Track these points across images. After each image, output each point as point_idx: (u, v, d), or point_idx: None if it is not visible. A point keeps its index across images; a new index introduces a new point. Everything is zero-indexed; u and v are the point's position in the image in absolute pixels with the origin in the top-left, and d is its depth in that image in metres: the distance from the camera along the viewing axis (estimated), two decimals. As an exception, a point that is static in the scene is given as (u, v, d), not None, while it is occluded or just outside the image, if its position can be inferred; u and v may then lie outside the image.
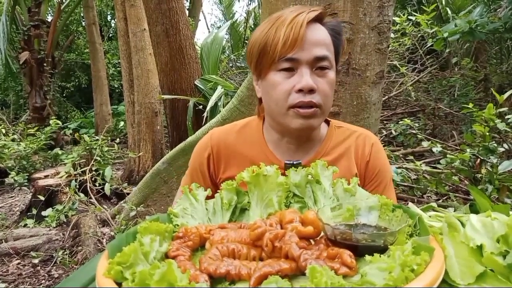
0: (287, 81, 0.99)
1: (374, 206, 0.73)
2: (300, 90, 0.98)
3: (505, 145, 3.09)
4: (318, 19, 1.02)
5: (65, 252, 3.24)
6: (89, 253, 3.11)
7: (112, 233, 3.41)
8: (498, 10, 4.75)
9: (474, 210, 0.78)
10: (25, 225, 3.77)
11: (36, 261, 3.18)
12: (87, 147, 4.55)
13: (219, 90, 4.65)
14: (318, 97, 0.99)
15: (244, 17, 12.60)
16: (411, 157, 3.87)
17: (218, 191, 0.88)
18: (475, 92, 5.78)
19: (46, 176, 4.68)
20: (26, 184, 5.20)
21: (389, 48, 3.12)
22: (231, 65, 8.54)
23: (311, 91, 0.98)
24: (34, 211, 3.84)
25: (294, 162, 1.03)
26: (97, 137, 4.85)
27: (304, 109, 0.99)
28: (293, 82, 0.99)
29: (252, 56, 1.05)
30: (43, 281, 2.96)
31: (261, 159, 1.06)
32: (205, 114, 4.31)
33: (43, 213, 3.74)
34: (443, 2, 6.67)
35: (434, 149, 3.28)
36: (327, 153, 1.12)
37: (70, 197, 3.90)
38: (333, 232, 0.64)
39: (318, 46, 0.99)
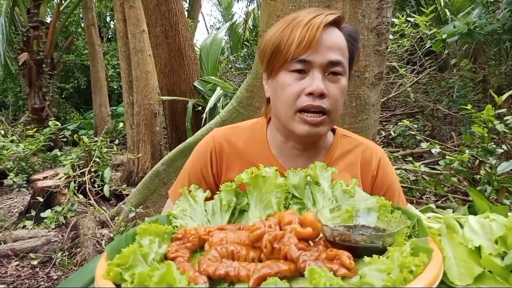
0: (298, 83, 0.97)
1: (373, 207, 0.74)
2: (310, 94, 0.95)
3: (504, 146, 3.09)
4: (336, 23, 0.99)
5: (64, 254, 3.23)
6: (88, 255, 3.10)
7: (111, 235, 3.40)
8: (497, 11, 4.76)
9: (473, 211, 0.79)
10: (24, 227, 3.77)
11: (35, 262, 3.17)
12: (86, 149, 4.54)
13: (218, 91, 4.65)
14: (328, 103, 0.96)
15: (243, 19, 12.62)
16: (410, 158, 3.87)
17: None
18: (473, 94, 5.79)
19: (45, 178, 4.67)
20: (25, 185, 5.19)
21: (388, 50, 3.12)
22: (230, 66, 8.54)
23: (321, 95, 0.95)
24: (33, 213, 3.83)
25: None
26: (96, 138, 4.85)
27: (312, 115, 0.96)
28: (303, 85, 0.96)
29: (265, 54, 1.02)
30: (42, 283, 2.95)
31: (262, 163, 1.03)
32: (204, 115, 4.30)
33: (42, 214, 3.74)
34: (442, 4, 6.69)
35: (433, 150, 3.28)
36: (333, 162, 1.09)
37: (69, 198, 3.89)
38: (332, 233, 0.64)
39: (333, 50, 0.96)
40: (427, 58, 5.72)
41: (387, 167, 1.14)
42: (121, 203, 3.86)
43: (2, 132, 6.39)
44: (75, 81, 12.06)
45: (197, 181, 1.13)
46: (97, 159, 4.47)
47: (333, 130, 1.17)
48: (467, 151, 2.99)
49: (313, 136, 1.01)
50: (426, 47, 5.11)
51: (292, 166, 1.06)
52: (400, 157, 4.08)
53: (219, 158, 1.14)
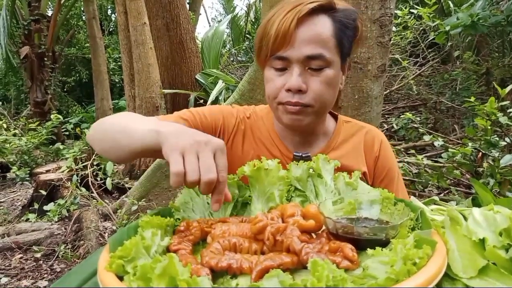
0: (279, 78, 0.98)
1: (375, 199, 0.73)
2: (288, 90, 0.96)
3: (507, 139, 3.07)
4: (324, 9, 0.96)
5: (67, 246, 3.25)
6: (91, 247, 3.12)
7: (114, 227, 3.42)
8: (501, 3, 4.71)
9: (477, 203, 0.78)
10: (27, 220, 3.79)
11: (38, 255, 3.19)
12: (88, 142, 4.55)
13: (220, 84, 4.65)
14: (307, 98, 0.96)
15: (245, 11, 12.54)
16: (413, 151, 3.86)
17: None
18: (477, 86, 5.76)
19: (47, 171, 4.69)
20: (27, 179, 5.21)
21: (391, 42, 3.10)
22: (232, 59, 8.51)
23: (299, 91, 0.95)
24: (36, 206, 3.85)
25: (303, 155, 1.01)
26: (98, 132, 4.84)
27: (292, 106, 0.97)
28: (284, 80, 0.97)
29: (256, 45, 1.03)
30: (45, 275, 2.97)
31: (272, 147, 1.07)
32: (206, 109, 4.29)
33: (45, 207, 3.76)
34: (445, -5, 6.62)
35: (435, 143, 3.27)
36: (336, 147, 1.11)
37: (71, 191, 3.91)
38: (334, 225, 0.64)
39: (310, 43, 0.93)
40: (430, 50, 5.68)
41: (388, 150, 1.16)
42: (123, 196, 3.88)
43: (5, 125, 6.41)
44: (77, 75, 12.06)
45: (207, 123, 1.08)
46: (99, 153, 4.47)
47: (336, 117, 1.18)
48: (470, 144, 2.98)
49: (297, 125, 1.01)
50: (429, 39, 5.08)
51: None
52: (402, 150, 4.07)
53: (237, 128, 1.12)
